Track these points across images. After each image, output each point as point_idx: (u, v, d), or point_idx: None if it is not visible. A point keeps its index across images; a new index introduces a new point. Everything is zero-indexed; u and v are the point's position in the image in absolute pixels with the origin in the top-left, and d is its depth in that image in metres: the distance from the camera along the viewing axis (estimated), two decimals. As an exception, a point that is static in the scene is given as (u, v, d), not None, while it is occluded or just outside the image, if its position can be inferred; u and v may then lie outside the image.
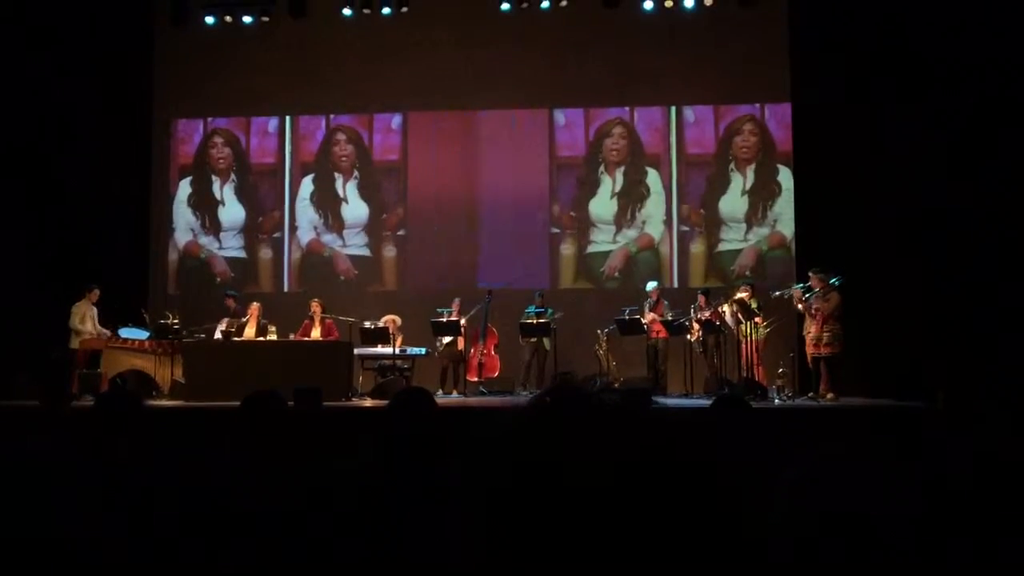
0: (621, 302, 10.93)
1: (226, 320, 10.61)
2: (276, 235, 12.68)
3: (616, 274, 12.19)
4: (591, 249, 12.27)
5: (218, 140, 12.82)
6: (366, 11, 12.16)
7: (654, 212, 12.20)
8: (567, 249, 12.32)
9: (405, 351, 10.56)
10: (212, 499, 2.35)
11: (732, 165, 12.17)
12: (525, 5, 12.03)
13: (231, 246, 12.69)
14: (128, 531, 2.15)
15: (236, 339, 10.33)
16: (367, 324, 10.37)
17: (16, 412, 7.86)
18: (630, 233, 12.20)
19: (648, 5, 11.92)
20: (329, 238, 12.59)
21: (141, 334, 10.46)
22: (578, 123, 12.44)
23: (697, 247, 12.14)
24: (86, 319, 10.32)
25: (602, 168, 12.35)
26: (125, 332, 10.41)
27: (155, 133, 12.63)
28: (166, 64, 12.54)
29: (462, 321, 10.70)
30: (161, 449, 2.74)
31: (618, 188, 12.27)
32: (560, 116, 12.44)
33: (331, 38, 12.35)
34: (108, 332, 10.34)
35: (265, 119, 12.78)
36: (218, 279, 12.59)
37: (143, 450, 2.73)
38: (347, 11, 12.17)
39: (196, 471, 2.51)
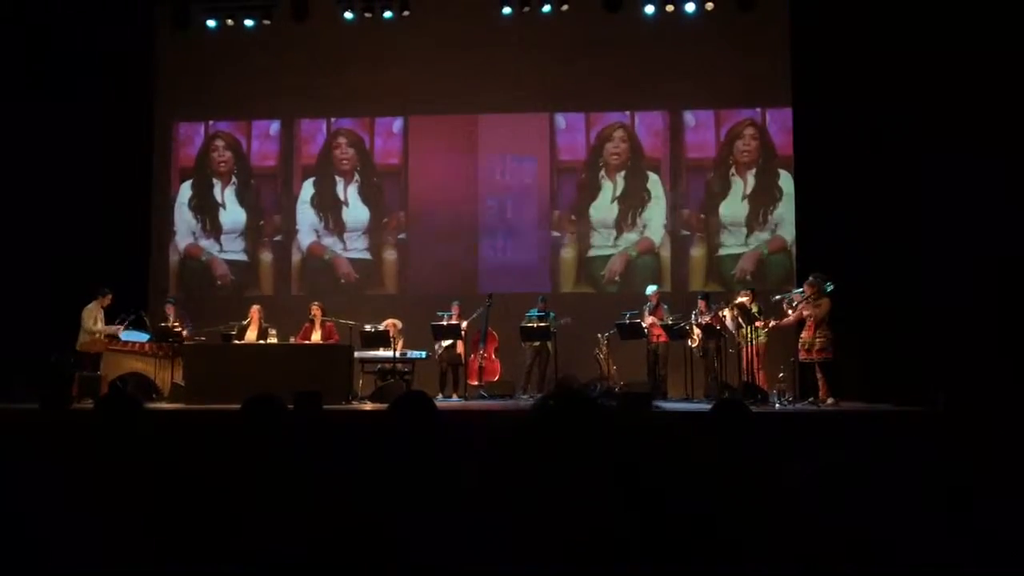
0: (621, 306, 10.93)
1: (163, 326, 10.53)
2: (277, 238, 12.68)
3: (617, 278, 12.19)
4: (591, 253, 12.28)
5: (219, 143, 12.83)
6: (367, 15, 12.17)
7: (654, 216, 12.21)
8: (567, 253, 12.32)
9: (405, 355, 10.56)
10: (211, 500, 2.35)
11: (733, 170, 12.18)
12: (526, 9, 12.04)
13: (232, 249, 12.69)
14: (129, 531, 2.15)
15: (236, 342, 10.34)
16: (367, 327, 10.37)
17: (16, 415, 7.85)
18: (630, 237, 12.20)
19: (649, 9, 11.93)
20: (330, 241, 12.59)
21: (141, 337, 10.46)
22: (579, 127, 12.45)
23: (698, 251, 12.14)
24: (97, 322, 10.33)
25: (603, 172, 12.35)
26: (125, 335, 10.42)
27: (156, 135, 12.63)
28: (168, 67, 12.55)
29: (463, 325, 10.70)
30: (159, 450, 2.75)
31: (619, 192, 12.28)
32: (561, 120, 12.44)
33: (332, 41, 12.35)
34: (119, 328, 10.35)
35: (266, 122, 12.79)
36: (219, 282, 12.60)
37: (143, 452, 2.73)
38: (348, 14, 12.18)
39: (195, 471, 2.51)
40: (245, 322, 10.63)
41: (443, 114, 12.47)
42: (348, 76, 12.33)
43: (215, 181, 12.76)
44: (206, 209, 12.72)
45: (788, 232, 11.88)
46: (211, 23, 12.45)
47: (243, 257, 12.68)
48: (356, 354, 10.31)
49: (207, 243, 12.68)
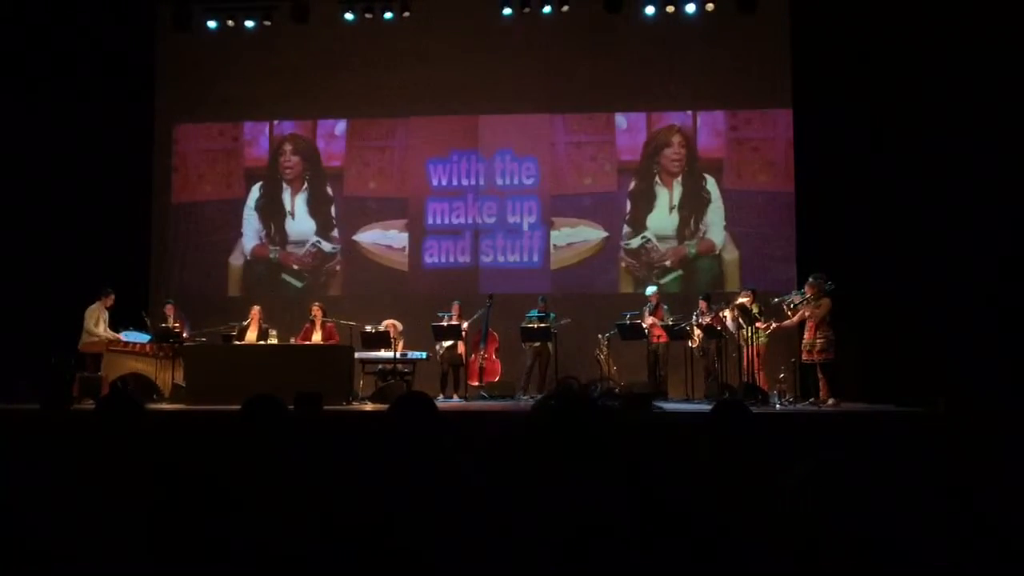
0: (622, 307, 10.93)
1: (163, 327, 10.48)
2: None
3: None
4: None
5: (288, 147, 12.77)
6: (368, 16, 12.17)
7: (656, 219, 12.26)
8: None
9: (406, 355, 10.57)
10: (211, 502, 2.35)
11: (658, 178, 12.22)
12: (527, 10, 12.04)
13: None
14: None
15: (237, 343, 10.35)
16: (368, 328, 10.38)
17: (16, 415, 7.85)
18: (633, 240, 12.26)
19: (650, 11, 11.93)
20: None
21: (142, 337, 10.46)
22: (579, 128, 12.45)
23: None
24: (99, 323, 10.33)
25: (609, 171, 12.39)
26: (126, 335, 10.42)
27: (157, 136, 12.64)
28: (168, 67, 12.56)
29: (464, 325, 10.70)
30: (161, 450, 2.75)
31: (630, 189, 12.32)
32: (560, 121, 12.45)
33: (333, 43, 12.36)
34: (120, 336, 10.35)
35: (265, 123, 12.79)
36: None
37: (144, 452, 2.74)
38: (349, 16, 12.18)
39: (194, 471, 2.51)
40: (245, 323, 10.64)
41: (444, 115, 12.48)
42: (347, 78, 12.33)
43: (284, 185, 12.73)
44: (271, 213, 12.71)
45: (717, 236, 12.06)
46: (211, 24, 12.45)
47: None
48: (356, 355, 10.31)
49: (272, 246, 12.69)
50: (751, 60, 11.82)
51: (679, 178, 12.27)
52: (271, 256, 12.64)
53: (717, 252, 12.12)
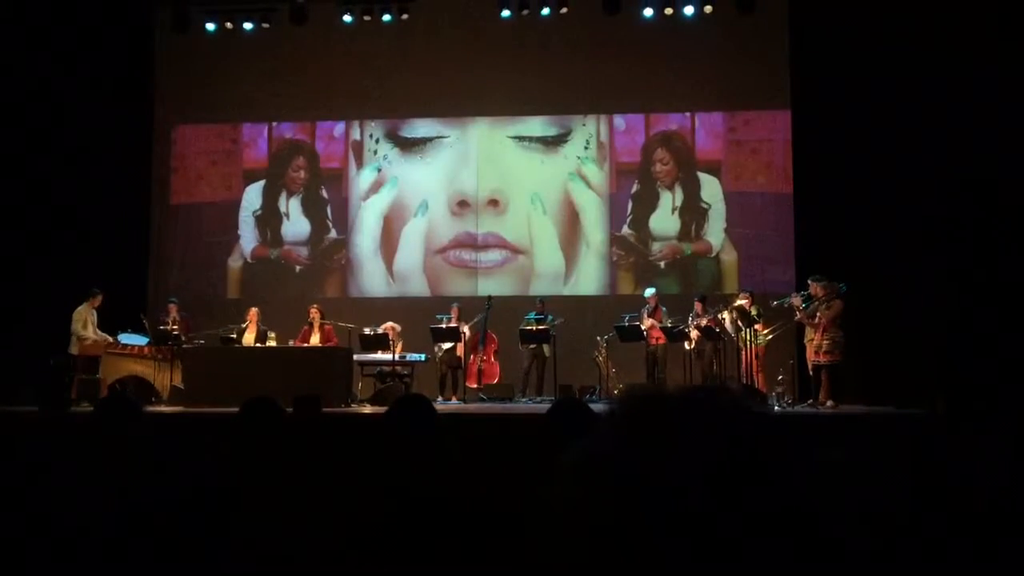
0: (620, 309, 10.94)
1: (170, 326, 10.46)
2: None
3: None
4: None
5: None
6: (367, 18, 12.16)
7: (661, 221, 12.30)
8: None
9: (404, 357, 10.55)
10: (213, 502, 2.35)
11: (658, 180, 12.25)
12: (525, 12, 12.04)
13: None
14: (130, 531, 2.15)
15: (235, 345, 10.34)
16: (366, 330, 10.37)
17: (15, 418, 7.84)
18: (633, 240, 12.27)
19: (648, 12, 11.93)
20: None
21: (140, 340, 10.44)
22: (576, 129, 12.46)
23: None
24: (88, 324, 10.31)
25: (607, 173, 12.40)
26: (124, 338, 10.40)
27: (156, 137, 12.64)
28: (167, 70, 12.57)
29: (464, 328, 10.68)
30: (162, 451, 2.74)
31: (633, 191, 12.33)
32: (558, 122, 12.45)
33: (331, 45, 12.36)
34: (109, 337, 10.33)
35: (263, 125, 12.80)
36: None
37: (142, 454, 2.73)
38: (347, 18, 12.18)
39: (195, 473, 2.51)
40: (243, 325, 10.63)
41: (442, 116, 12.49)
42: (346, 79, 12.33)
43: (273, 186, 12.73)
44: (269, 216, 12.70)
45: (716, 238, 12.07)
46: (210, 26, 12.43)
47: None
48: (355, 357, 10.30)
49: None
50: (749, 61, 11.82)
51: (679, 181, 12.26)
52: (271, 258, 12.63)
53: (715, 254, 12.12)
